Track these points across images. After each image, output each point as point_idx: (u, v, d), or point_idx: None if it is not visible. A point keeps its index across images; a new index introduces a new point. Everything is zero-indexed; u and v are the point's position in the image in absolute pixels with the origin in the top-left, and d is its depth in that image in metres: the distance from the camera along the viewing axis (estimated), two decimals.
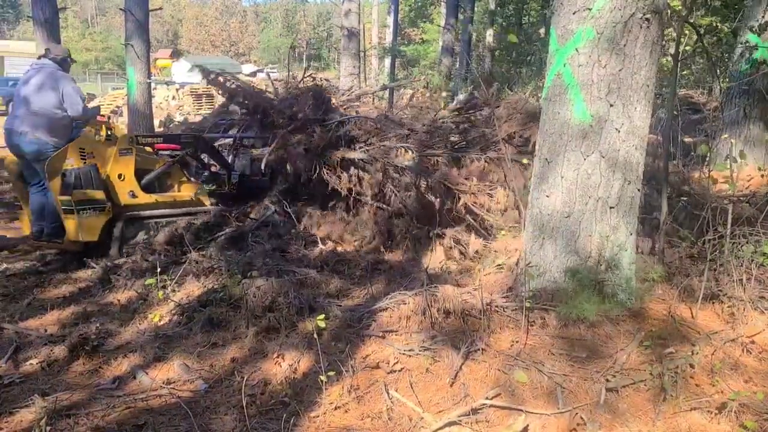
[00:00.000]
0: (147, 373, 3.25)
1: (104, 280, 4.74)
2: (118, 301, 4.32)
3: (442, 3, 23.83)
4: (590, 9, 3.24)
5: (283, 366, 3.20)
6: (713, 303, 3.58)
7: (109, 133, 5.36)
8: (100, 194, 5.14)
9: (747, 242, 3.72)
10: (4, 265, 5.11)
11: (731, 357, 3.07)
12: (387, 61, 27.47)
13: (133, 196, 5.48)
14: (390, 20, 26.20)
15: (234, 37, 70.88)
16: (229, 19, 74.11)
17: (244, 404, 2.83)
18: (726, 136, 6.96)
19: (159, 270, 4.36)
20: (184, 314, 3.90)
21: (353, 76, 14.55)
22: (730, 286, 3.57)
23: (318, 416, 2.79)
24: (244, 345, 3.54)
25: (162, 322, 3.88)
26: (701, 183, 4.64)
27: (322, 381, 2.85)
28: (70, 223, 5.03)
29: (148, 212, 5.60)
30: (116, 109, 21.57)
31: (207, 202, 6.18)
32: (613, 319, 3.36)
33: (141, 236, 5.52)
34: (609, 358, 3.09)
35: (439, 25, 24.31)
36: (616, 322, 3.36)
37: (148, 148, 5.93)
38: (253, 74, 30.12)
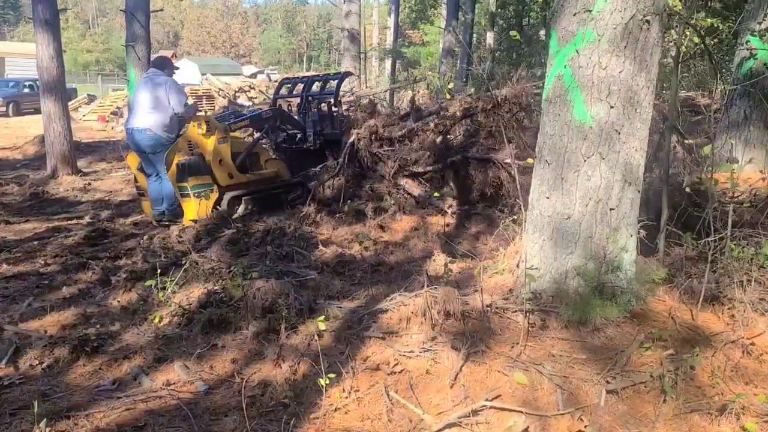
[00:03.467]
0: (147, 375, 3.24)
1: (104, 282, 4.74)
2: (118, 302, 4.31)
3: (443, 5, 23.84)
4: (590, 11, 3.24)
5: (283, 367, 3.20)
6: (714, 305, 3.57)
7: (208, 125, 6.18)
8: (208, 179, 6.18)
9: (747, 244, 3.72)
10: (5, 267, 5.11)
11: (732, 359, 3.07)
12: (387, 63, 27.52)
13: (231, 177, 6.40)
14: (390, 22, 26.25)
15: (235, 39, 70.97)
16: (230, 21, 74.20)
17: (244, 406, 2.83)
18: (727, 137, 6.96)
19: (159, 271, 4.36)
20: (184, 315, 3.89)
21: (354, 77, 14.55)
22: (731, 287, 3.57)
23: (318, 418, 2.79)
24: (244, 346, 3.54)
25: (162, 324, 3.87)
26: (702, 184, 4.64)
27: (322, 383, 2.85)
28: (188, 205, 6.14)
29: (243, 189, 6.55)
30: (117, 110, 21.62)
31: (288, 175, 7.19)
32: (614, 320, 3.36)
33: (241, 210, 6.46)
34: (609, 359, 3.08)
35: (440, 27, 24.33)
36: (616, 324, 3.35)
37: (237, 133, 6.95)
38: (254, 75, 30.14)
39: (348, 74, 9.27)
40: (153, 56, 7.22)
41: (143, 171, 6.62)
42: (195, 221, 6.06)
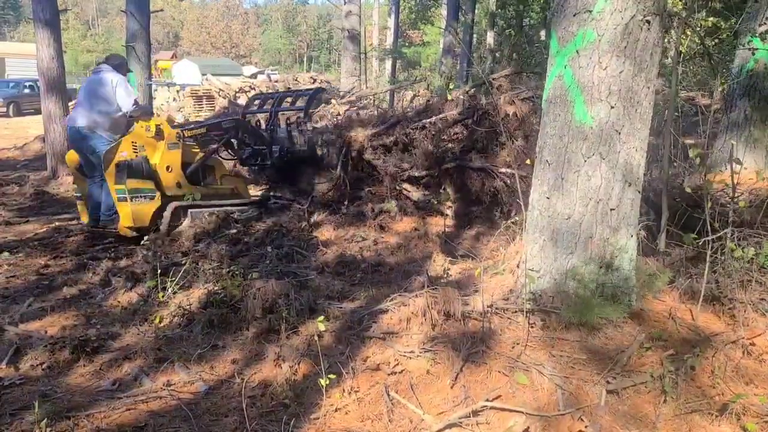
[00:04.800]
0: (147, 375, 3.24)
1: (105, 282, 4.74)
2: (119, 303, 4.32)
3: (443, 5, 23.85)
4: (591, 11, 3.24)
5: (284, 368, 3.20)
6: (714, 305, 3.57)
7: (158, 128, 5.84)
8: (150, 184, 5.71)
9: (748, 244, 3.72)
10: (5, 267, 5.12)
11: (732, 359, 3.06)
12: (388, 63, 27.53)
13: (179, 186, 6.03)
14: (391, 22, 26.26)
15: (235, 39, 70.97)
16: (230, 21, 74.21)
17: (245, 406, 2.83)
18: (727, 138, 6.96)
19: (159, 272, 4.36)
20: (184, 316, 3.90)
21: (354, 77, 14.56)
22: (731, 288, 3.57)
23: (318, 418, 2.79)
24: (245, 347, 3.54)
25: (162, 324, 3.87)
26: (702, 185, 4.64)
27: (322, 383, 2.85)
28: (123, 210, 5.59)
29: (192, 202, 6.12)
30: None
31: (247, 194, 6.77)
32: (614, 321, 3.36)
33: (186, 224, 5.98)
34: (609, 360, 3.08)
35: (440, 27, 24.34)
36: (616, 324, 3.35)
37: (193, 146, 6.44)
38: (254, 76, 30.15)
39: (320, 91, 8.99)
40: (110, 54, 6.79)
41: (83, 172, 6.13)
42: (131, 228, 5.64)
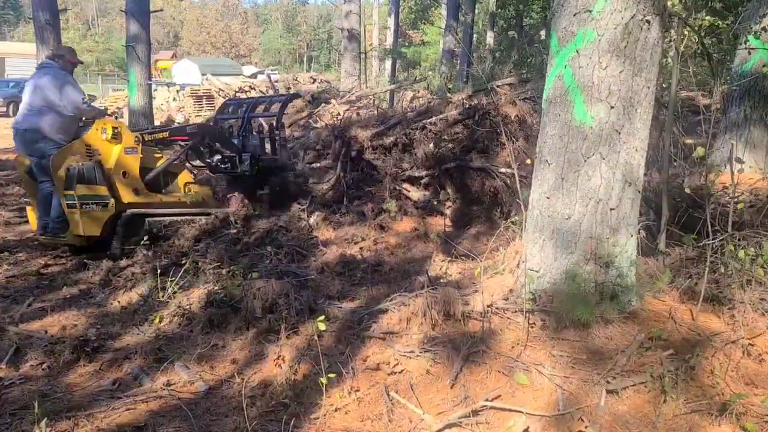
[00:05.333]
0: (147, 375, 3.25)
1: (105, 282, 4.74)
2: (119, 302, 4.32)
3: (443, 5, 23.85)
4: (591, 11, 3.24)
5: (284, 367, 3.20)
6: (714, 305, 3.57)
7: (115, 131, 5.46)
8: (103, 190, 5.29)
9: (748, 244, 3.72)
10: (5, 267, 5.12)
11: (732, 359, 3.06)
12: (388, 63, 27.53)
13: (137, 193, 5.60)
14: (391, 22, 26.26)
15: (235, 39, 70.95)
16: (230, 21, 74.21)
17: (245, 406, 2.83)
18: (727, 138, 6.96)
19: (159, 272, 4.37)
20: (184, 316, 3.90)
21: (354, 77, 14.56)
22: (731, 288, 3.57)
23: (318, 418, 2.79)
24: (245, 346, 3.54)
25: (162, 324, 3.88)
26: (702, 185, 4.65)
27: (322, 383, 2.85)
28: (72, 218, 5.18)
29: (151, 210, 5.72)
30: (117, 110, 21.63)
31: (212, 202, 6.34)
32: (614, 320, 3.36)
33: (143, 234, 5.54)
34: (609, 359, 3.08)
35: (440, 27, 24.34)
36: (616, 324, 3.35)
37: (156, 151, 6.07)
38: (254, 76, 30.15)
39: (295, 96, 8.65)
40: (56, 47, 6.37)
41: (33, 176, 5.63)
42: (81, 237, 5.24)
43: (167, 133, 6.21)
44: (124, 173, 5.51)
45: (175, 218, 5.88)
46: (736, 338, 3.19)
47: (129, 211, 5.50)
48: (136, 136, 5.67)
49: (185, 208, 6.06)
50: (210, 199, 6.42)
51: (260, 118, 7.65)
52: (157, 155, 6.08)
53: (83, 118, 5.67)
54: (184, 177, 6.29)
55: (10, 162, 12.42)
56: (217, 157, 6.67)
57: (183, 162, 6.58)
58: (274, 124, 6.94)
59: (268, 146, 6.87)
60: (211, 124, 7.39)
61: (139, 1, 11.34)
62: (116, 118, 20.13)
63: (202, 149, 6.59)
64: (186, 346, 3.59)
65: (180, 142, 6.39)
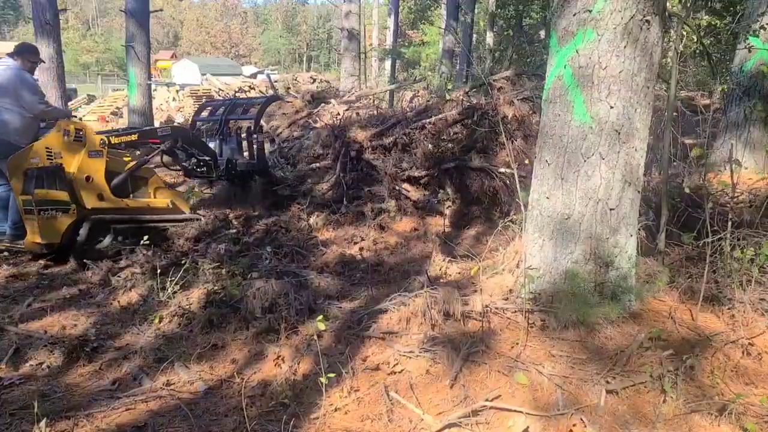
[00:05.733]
0: (147, 375, 3.25)
1: (105, 282, 4.74)
2: (119, 302, 4.32)
3: (443, 5, 23.86)
4: (590, 11, 3.25)
5: (283, 367, 3.20)
6: (714, 305, 3.58)
7: (78, 133, 5.18)
8: (63, 195, 5.03)
9: (747, 244, 3.72)
10: (5, 267, 5.11)
11: (732, 359, 3.07)
12: (387, 63, 27.53)
13: (101, 199, 5.29)
14: (390, 22, 26.25)
15: (234, 39, 70.98)
16: (229, 21, 74.22)
17: (244, 406, 2.84)
18: (726, 138, 6.96)
19: (159, 272, 4.37)
20: (184, 316, 3.90)
21: (354, 77, 14.56)
22: (731, 288, 3.57)
23: (318, 418, 2.79)
24: (244, 346, 3.54)
25: (162, 324, 3.87)
26: (701, 185, 4.65)
27: (322, 383, 2.85)
28: (30, 224, 4.97)
29: (116, 217, 5.41)
30: (117, 110, 21.63)
31: (186, 209, 6.06)
32: (614, 320, 3.36)
33: (108, 241, 5.34)
34: (609, 359, 3.08)
35: (440, 27, 24.34)
36: (616, 324, 3.36)
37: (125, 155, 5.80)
38: (254, 75, 30.16)
39: (274, 98, 8.33)
40: (19, 44, 5.80)
41: None
42: (39, 245, 4.98)
43: (136, 135, 5.88)
44: (88, 177, 5.19)
45: (143, 225, 5.58)
46: (736, 338, 3.19)
47: (92, 218, 5.20)
48: (101, 139, 5.37)
49: (155, 214, 5.76)
50: (182, 203, 6.12)
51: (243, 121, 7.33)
52: (127, 158, 5.80)
53: (46, 119, 5.46)
54: (155, 182, 5.97)
55: None
56: (194, 160, 6.48)
57: (164, 165, 6.42)
58: (252, 127, 6.72)
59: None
60: (178, 125, 7.16)
61: (139, 1, 11.34)
62: (118, 117, 20.15)
63: (177, 152, 6.36)
64: (186, 346, 3.59)
65: (152, 145, 6.08)
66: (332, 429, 2.73)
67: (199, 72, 29.95)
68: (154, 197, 5.89)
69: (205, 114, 7.58)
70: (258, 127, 6.78)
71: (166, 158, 6.59)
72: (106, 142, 5.40)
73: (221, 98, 9.01)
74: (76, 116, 6.25)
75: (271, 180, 7.06)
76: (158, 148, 6.05)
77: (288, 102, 10.10)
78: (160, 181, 6.08)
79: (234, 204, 6.93)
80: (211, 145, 6.66)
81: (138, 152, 6.40)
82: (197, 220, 6.05)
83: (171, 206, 5.92)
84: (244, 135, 6.82)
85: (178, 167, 6.89)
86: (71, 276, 4.95)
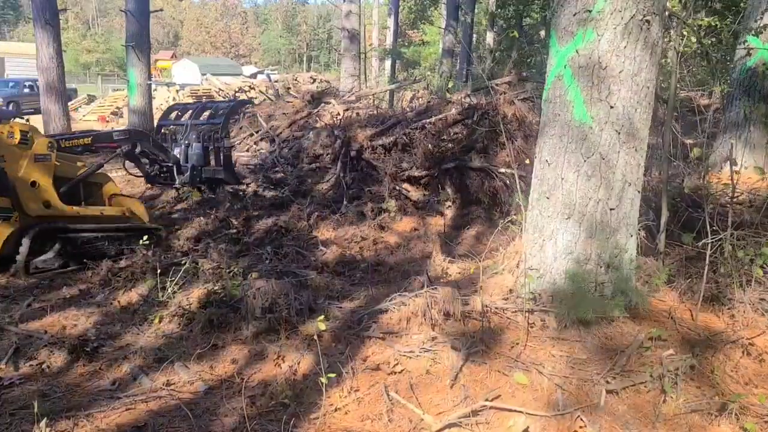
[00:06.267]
0: (147, 375, 3.24)
1: (105, 282, 4.74)
2: (119, 302, 4.32)
3: (443, 4, 23.86)
4: (590, 11, 3.25)
5: (283, 367, 3.20)
6: (714, 305, 3.58)
7: (24, 135, 4.86)
8: (4, 201, 4.71)
9: (747, 244, 3.72)
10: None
11: (732, 359, 3.07)
12: (387, 63, 27.52)
13: (48, 206, 4.95)
14: (390, 22, 26.25)
15: (234, 39, 70.98)
16: (229, 21, 74.23)
17: (244, 406, 2.84)
18: (725, 137, 6.96)
19: (159, 272, 4.36)
20: (184, 316, 3.89)
21: (354, 77, 14.55)
22: (731, 288, 3.57)
23: (318, 418, 2.79)
24: (244, 346, 3.54)
25: (162, 324, 3.87)
26: (701, 185, 4.65)
27: (322, 383, 2.85)
28: None
29: (65, 226, 5.05)
30: (117, 110, 21.64)
31: (145, 218, 5.71)
32: (614, 320, 3.36)
33: (54, 251, 4.99)
34: (609, 359, 3.08)
35: (440, 27, 24.34)
36: (616, 324, 3.36)
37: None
38: (254, 75, 30.16)
39: (244, 103, 7.91)
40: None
41: None
42: None
43: (90, 138, 5.50)
44: (33, 183, 4.85)
45: (94, 234, 5.19)
46: (736, 338, 3.19)
47: (37, 227, 4.85)
48: (49, 142, 5.03)
49: (109, 223, 5.37)
50: (141, 212, 5.73)
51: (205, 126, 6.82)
52: (80, 163, 5.47)
53: None
54: (110, 188, 5.63)
55: None
56: (157, 166, 6.23)
57: (126, 170, 6.06)
58: (219, 132, 6.33)
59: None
60: (136, 129, 6.77)
61: (139, 1, 11.34)
62: (118, 117, 20.14)
63: (138, 157, 6.03)
64: (186, 346, 3.59)
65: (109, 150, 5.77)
66: (332, 429, 2.73)
67: (199, 72, 29.97)
68: (109, 205, 5.56)
69: (172, 117, 7.22)
70: (225, 132, 6.43)
71: (128, 163, 6.31)
72: (55, 146, 5.08)
73: (190, 102, 8.37)
74: (23, 118, 5.86)
75: (239, 187, 6.73)
76: (115, 152, 5.76)
77: (288, 102, 10.11)
78: (116, 187, 5.77)
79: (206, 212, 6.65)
80: (177, 150, 6.41)
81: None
82: (157, 230, 5.71)
83: (128, 215, 5.56)
84: (209, 140, 6.40)
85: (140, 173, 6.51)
86: (71, 276, 4.94)
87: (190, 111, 6.96)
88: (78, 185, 5.30)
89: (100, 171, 5.65)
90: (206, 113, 6.83)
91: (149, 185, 7.35)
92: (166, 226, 6.10)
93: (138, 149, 5.90)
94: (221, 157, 6.33)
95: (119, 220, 5.49)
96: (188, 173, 6.19)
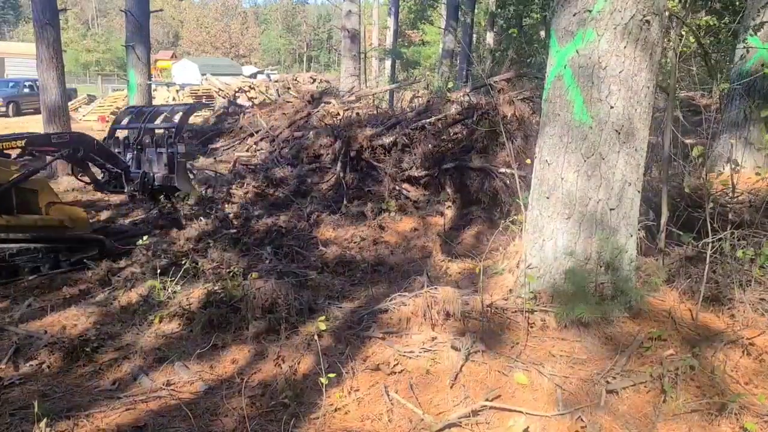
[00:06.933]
0: (147, 375, 3.25)
1: (105, 282, 4.74)
2: (119, 302, 4.31)
3: (442, 4, 23.87)
4: (590, 11, 3.25)
5: (283, 367, 3.20)
6: (714, 305, 3.58)
7: None
8: None
9: (747, 244, 3.72)
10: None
11: (731, 359, 3.07)
12: (387, 63, 27.53)
13: None
14: (390, 22, 26.24)
15: (234, 39, 70.97)
16: (229, 21, 74.22)
17: (244, 406, 2.84)
18: (725, 137, 6.95)
19: (159, 272, 4.36)
20: (184, 316, 3.89)
21: (354, 77, 14.56)
22: (731, 288, 3.57)
23: (318, 418, 2.79)
24: (245, 346, 3.54)
25: (162, 324, 3.87)
26: (701, 185, 4.65)
27: (322, 383, 2.85)
28: None
29: None
30: (117, 110, 21.63)
31: (85, 227, 5.29)
32: (614, 320, 3.36)
33: None
34: (609, 359, 3.09)
35: (440, 27, 24.35)
36: (616, 324, 3.36)
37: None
38: (254, 75, 30.16)
39: (200, 106, 7.65)
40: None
41: None
42: None
43: (24, 141, 5.03)
44: None
45: (26, 245, 4.79)
46: (736, 338, 3.19)
47: None
48: None
49: (45, 233, 4.95)
50: (82, 221, 5.27)
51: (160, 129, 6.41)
52: (14, 168, 5.03)
53: None
54: (47, 196, 5.12)
55: None
56: (106, 173, 5.85)
57: (75, 176, 5.66)
58: (173, 137, 5.91)
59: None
60: (80, 132, 6.17)
61: (139, 1, 11.34)
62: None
63: (86, 162, 5.64)
64: (186, 345, 3.59)
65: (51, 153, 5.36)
66: (332, 429, 2.73)
67: (199, 72, 29.98)
68: (45, 213, 5.05)
69: (126, 121, 6.73)
70: (179, 137, 5.95)
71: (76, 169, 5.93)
72: None
73: (144, 105, 7.66)
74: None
75: (190, 196, 6.28)
76: (55, 156, 5.38)
77: (288, 102, 10.10)
78: (54, 195, 5.27)
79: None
80: (129, 155, 6.07)
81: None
82: (98, 241, 5.24)
83: (67, 225, 5.10)
84: (163, 145, 6.00)
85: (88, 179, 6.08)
86: (71, 276, 4.94)
87: (145, 114, 6.50)
88: (10, 192, 4.81)
89: (37, 177, 5.22)
90: (161, 117, 6.45)
91: (98, 191, 6.80)
92: (114, 235, 5.70)
93: (80, 154, 5.45)
94: (175, 164, 5.87)
95: (56, 230, 5.03)
96: (138, 180, 5.83)
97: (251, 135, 9.51)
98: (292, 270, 4.86)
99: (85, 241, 5.20)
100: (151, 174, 5.98)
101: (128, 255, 5.23)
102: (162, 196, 6.21)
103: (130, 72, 11.56)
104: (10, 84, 24.69)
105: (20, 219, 4.86)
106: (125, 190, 5.98)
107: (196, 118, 18.04)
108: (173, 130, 5.97)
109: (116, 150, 6.29)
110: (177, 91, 22.29)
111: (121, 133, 6.76)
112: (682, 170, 5.34)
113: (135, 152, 6.13)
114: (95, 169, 6.01)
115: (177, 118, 6.21)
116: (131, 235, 5.83)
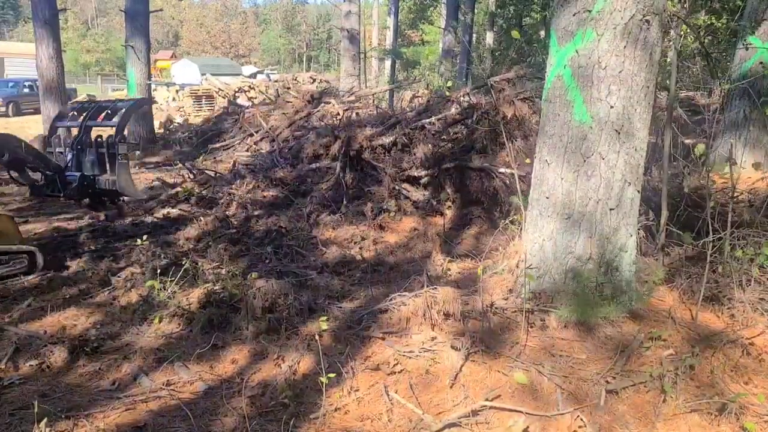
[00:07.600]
0: (147, 375, 3.24)
1: (104, 282, 4.73)
2: (119, 302, 4.31)
3: (442, 4, 23.88)
4: (590, 11, 3.25)
5: (283, 367, 3.20)
6: (713, 305, 3.58)
7: None
8: None
9: (747, 244, 3.73)
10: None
11: (731, 359, 3.07)
12: (387, 63, 27.55)
13: None
14: (390, 22, 26.26)
15: (234, 39, 70.96)
16: (229, 21, 74.22)
17: (244, 406, 2.84)
18: (725, 137, 6.95)
19: (159, 272, 4.36)
20: (184, 316, 3.89)
21: (353, 77, 14.57)
22: (731, 287, 3.57)
23: (318, 418, 2.79)
24: (245, 346, 3.54)
25: (162, 324, 3.87)
26: (701, 184, 4.65)
27: (322, 383, 2.85)
28: None
29: None
30: None
31: (16, 239, 4.79)
32: (613, 320, 3.37)
33: None
34: (609, 359, 3.09)
35: (440, 27, 24.36)
36: (616, 324, 3.36)
37: None
38: (254, 75, 30.16)
39: (144, 102, 7.26)
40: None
41: None
42: None
43: None
44: None
45: None
46: (736, 338, 3.19)
47: None
48: None
49: None
50: (11, 231, 4.77)
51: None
52: None
53: None
54: None
55: None
56: (40, 175, 5.47)
57: (13, 179, 5.33)
58: (114, 136, 5.49)
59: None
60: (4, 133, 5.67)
61: (139, 1, 11.34)
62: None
63: (18, 166, 5.29)
64: (186, 345, 3.59)
65: None
66: (332, 429, 2.73)
67: (199, 72, 29.95)
68: None
69: (67, 118, 6.33)
70: (121, 135, 5.53)
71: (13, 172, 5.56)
72: None
73: (87, 101, 6.95)
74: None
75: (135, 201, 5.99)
76: None
77: (288, 102, 10.10)
78: None
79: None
80: (69, 156, 5.64)
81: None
82: (28, 254, 4.69)
83: None
84: (104, 145, 5.57)
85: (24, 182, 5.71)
86: (71, 276, 4.94)
87: (87, 111, 6.00)
88: None
89: None
90: (103, 114, 5.99)
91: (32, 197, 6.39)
92: (49, 246, 5.27)
93: (5, 157, 5.07)
94: (116, 165, 5.46)
95: None
96: (76, 183, 5.41)
97: (251, 135, 9.51)
98: (292, 270, 4.86)
99: (14, 254, 4.62)
100: (91, 176, 5.55)
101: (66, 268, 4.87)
102: (106, 201, 5.80)
103: (130, 72, 11.56)
104: (10, 84, 24.70)
105: None
106: (60, 194, 5.53)
107: (196, 118, 18.06)
108: (115, 128, 5.54)
109: (57, 150, 5.83)
110: (177, 91, 22.28)
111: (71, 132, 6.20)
112: (682, 170, 5.34)
113: (75, 152, 5.67)
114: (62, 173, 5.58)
115: (118, 116, 5.80)
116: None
